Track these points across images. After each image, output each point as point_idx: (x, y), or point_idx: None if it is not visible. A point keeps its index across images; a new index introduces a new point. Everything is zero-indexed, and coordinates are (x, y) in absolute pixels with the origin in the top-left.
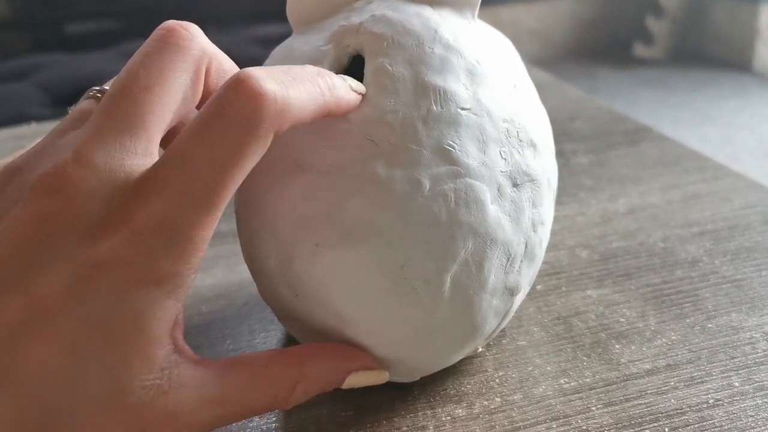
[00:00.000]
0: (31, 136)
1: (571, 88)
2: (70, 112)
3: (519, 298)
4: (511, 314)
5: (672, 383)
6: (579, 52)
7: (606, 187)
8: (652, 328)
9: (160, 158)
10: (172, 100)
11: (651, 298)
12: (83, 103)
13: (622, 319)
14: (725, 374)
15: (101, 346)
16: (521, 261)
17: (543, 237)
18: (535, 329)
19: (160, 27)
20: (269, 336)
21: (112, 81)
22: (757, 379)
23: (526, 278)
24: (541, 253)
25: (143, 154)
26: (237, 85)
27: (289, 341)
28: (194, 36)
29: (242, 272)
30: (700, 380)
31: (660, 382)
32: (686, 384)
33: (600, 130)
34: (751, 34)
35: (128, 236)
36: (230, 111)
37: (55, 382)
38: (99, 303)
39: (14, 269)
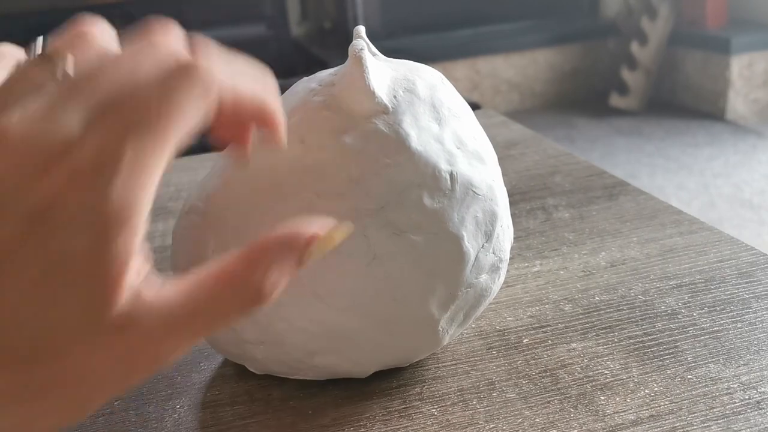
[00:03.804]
0: None
1: (550, 142)
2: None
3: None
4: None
5: None
6: (557, 102)
7: (587, 241)
8: (635, 380)
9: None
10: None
11: (633, 350)
12: (33, 70)
13: (606, 371)
14: (705, 424)
15: (64, 282)
16: None
17: None
18: (523, 382)
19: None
20: None
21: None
22: (735, 429)
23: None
24: None
25: None
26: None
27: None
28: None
29: None
30: (681, 430)
31: None
32: None
33: (580, 185)
34: (723, 84)
35: (69, 173)
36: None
37: (29, 321)
38: (53, 244)
39: None
